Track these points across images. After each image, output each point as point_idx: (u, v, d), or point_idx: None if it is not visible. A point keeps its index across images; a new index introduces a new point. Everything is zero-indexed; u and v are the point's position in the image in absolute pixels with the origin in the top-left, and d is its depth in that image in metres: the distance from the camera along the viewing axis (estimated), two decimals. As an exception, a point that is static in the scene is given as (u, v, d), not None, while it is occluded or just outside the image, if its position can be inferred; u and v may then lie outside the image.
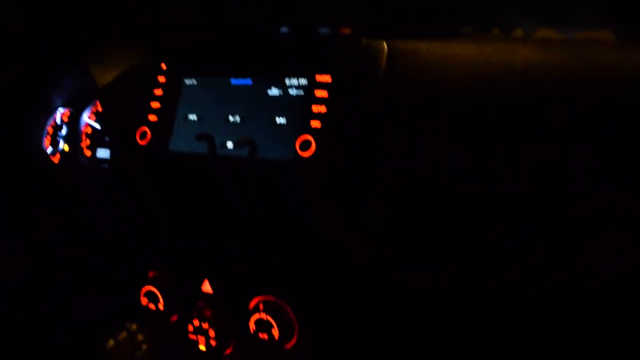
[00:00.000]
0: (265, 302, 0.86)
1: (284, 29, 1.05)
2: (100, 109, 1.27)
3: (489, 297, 0.74)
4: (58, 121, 1.35)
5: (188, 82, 0.97)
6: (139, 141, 0.95)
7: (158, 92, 0.97)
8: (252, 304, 0.87)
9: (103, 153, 1.28)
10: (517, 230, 0.71)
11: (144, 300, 0.94)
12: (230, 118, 0.91)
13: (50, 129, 1.36)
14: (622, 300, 0.67)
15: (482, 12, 1.01)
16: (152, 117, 0.96)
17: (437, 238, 0.75)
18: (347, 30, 1.03)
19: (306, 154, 0.82)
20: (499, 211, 0.72)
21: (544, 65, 0.77)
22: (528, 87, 0.75)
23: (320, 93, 0.84)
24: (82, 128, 1.32)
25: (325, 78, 0.85)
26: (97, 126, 1.28)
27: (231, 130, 0.91)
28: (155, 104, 0.96)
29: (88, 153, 1.30)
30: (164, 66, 0.98)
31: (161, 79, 0.98)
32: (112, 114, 1.04)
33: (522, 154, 0.71)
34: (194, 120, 0.94)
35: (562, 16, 0.99)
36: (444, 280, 0.75)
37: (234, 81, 0.93)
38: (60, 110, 1.35)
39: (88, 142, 1.31)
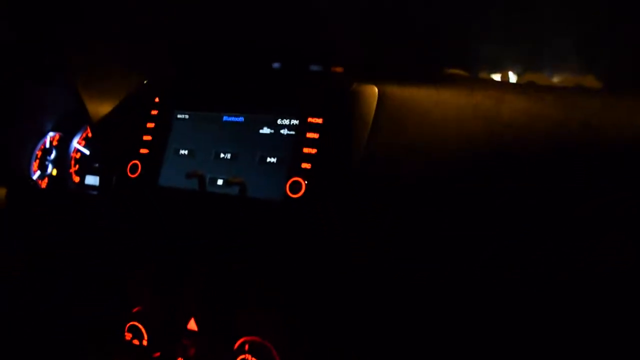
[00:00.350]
0: (250, 343, 0.85)
1: (275, 65, 1.06)
2: (91, 135, 1.27)
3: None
4: (47, 145, 1.34)
5: (180, 116, 0.97)
6: (130, 174, 0.95)
7: (150, 125, 0.97)
8: (237, 344, 0.87)
9: (92, 180, 1.28)
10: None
11: (127, 336, 0.93)
12: (221, 155, 0.91)
13: (39, 153, 1.35)
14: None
15: (470, 55, 1.03)
16: (144, 150, 0.96)
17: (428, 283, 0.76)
18: (339, 69, 1.04)
19: (296, 196, 0.82)
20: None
21: (531, 113, 0.78)
22: (516, 133, 0.76)
23: (312, 134, 0.85)
24: (72, 153, 1.31)
25: (317, 120, 0.86)
26: (87, 152, 1.28)
27: (221, 167, 0.91)
28: (147, 137, 0.97)
29: (77, 179, 1.30)
30: (156, 99, 0.98)
31: (154, 112, 0.98)
32: (103, 144, 1.04)
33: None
34: (185, 154, 0.94)
35: (548, 62, 1.02)
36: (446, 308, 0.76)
37: (225, 117, 0.94)
38: (50, 134, 1.34)
39: (77, 167, 1.30)
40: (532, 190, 0.72)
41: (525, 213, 0.72)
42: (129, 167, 0.96)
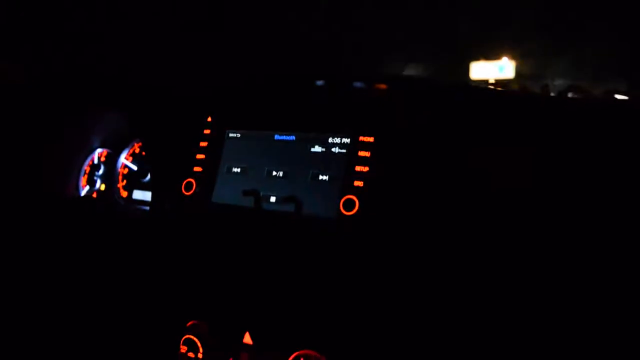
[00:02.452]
0: (305, 357, 0.87)
1: (319, 82, 1.08)
2: (143, 152, 1.31)
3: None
4: (95, 161, 1.38)
5: (232, 135, 1.00)
6: (184, 192, 0.98)
7: (203, 143, 1.00)
8: (291, 358, 0.89)
9: (140, 194, 1.31)
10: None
11: (183, 349, 0.96)
12: (274, 173, 0.94)
13: (87, 168, 1.39)
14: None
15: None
16: (197, 168, 0.99)
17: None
18: (382, 86, 1.06)
19: (350, 213, 0.84)
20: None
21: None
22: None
23: (363, 153, 0.87)
24: (119, 169, 1.35)
25: (368, 139, 0.88)
26: (134, 167, 1.31)
27: (274, 185, 0.93)
28: (200, 156, 1.00)
29: (124, 194, 1.33)
30: (209, 118, 1.01)
31: (206, 131, 1.01)
32: (156, 162, 1.08)
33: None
34: (237, 172, 0.97)
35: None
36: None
37: (277, 136, 0.96)
38: (98, 150, 1.39)
39: (124, 182, 1.34)
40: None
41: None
42: (183, 184, 0.99)
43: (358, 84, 1.07)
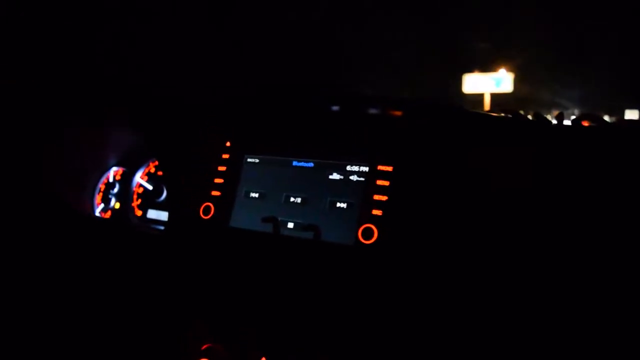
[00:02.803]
0: (321, 383, 0.88)
1: (334, 108, 1.10)
2: (157, 171, 1.32)
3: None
4: (110, 179, 1.39)
5: (250, 160, 1.01)
6: (202, 216, 0.99)
7: (221, 168, 1.01)
8: (306, 384, 0.89)
9: (154, 214, 1.32)
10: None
11: (197, 371, 0.96)
12: (292, 199, 0.95)
13: (102, 187, 1.40)
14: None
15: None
16: (215, 193, 1.00)
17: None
18: (397, 113, 1.07)
19: (368, 242, 0.85)
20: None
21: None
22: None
23: (382, 182, 0.88)
24: (134, 187, 1.36)
25: (387, 168, 0.89)
26: (149, 187, 1.33)
27: (292, 211, 0.94)
28: (218, 180, 1.01)
29: (139, 213, 1.34)
30: (227, 143, 1.03)
31: (225, 155, 1.02)
32: (174, 184, 1.09)
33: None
34: (256, 197, 0.98)
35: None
36: None
37: (295, 162, 0.97)
38: (114, 168, 1.40)
39: (139, 201, 1.35)
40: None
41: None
42: (202, 208, 1.00)
43: (373, 110, 1.09)
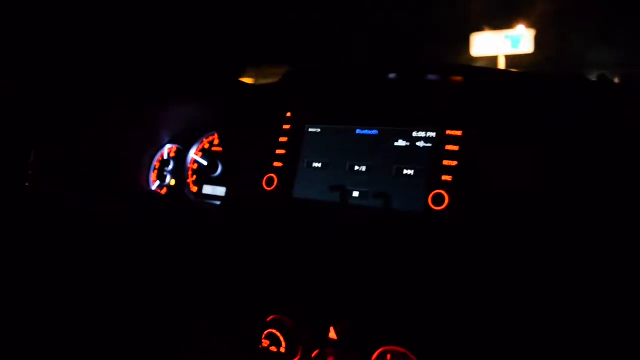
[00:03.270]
0: (392, 353, 0.86)
1: (391, 75, 1.07)
2: (211, 147, 1.32)
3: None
4: (165, 156, 1.40)
5: (312, 129, 1.00)
6: (266, 187, 0.98)
7: (283, 139, 1.00)
8: (376, 354, 0.88)
9: (210, 189, 1.33)
10: None
11: (264, 343, 0.96)
12: (356, 167, 0.93)
13: (157, 164, 1.41)
14: None
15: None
16: (278, 164, 0.99)
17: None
18: (458, 79, 1.04)
19: (439, 208, 0.83)
20: None
21: None
22: None
23: (451, 147, 0.86)
24: (189, 164, 1.37)
25: (456, 132, 0.86)
26: (204, 162, 1.33)
27: (357, 180, 0.93)
28: (280, 151, 1.00)
29: (194, 189, 1.35)
30: (288, 114, 1.01)
31: (286, 126, 1.01)
32: (234, 156, 1.08)
33: None
34: (318, 167, 0.97)
35: None
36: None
37: (358, 131, 0.95)
38: (168, 146, 1.41)
39: (194, 177, 1.36)
40: None
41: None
42: (264, 180, 0.99)
43: (432, 77, 1.05)
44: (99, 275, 1.28)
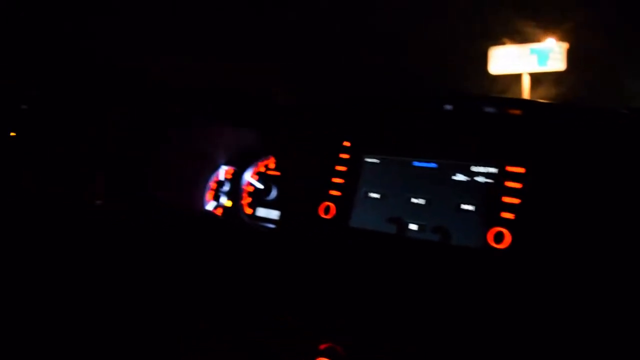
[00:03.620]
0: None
1: (447, 107, 1.06)
2: (267, 171, 1.35)
3: None
4: (221, 178, 1.44)
5: (369, 160, 1.00)
6: (322, 215, 1.00)
7: (341, 168, 1.01)
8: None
9: (263, 212, 1.35)
10: None
11: (316, 370, 0.97)
12: (414, 200, 0.93)
13: (213, 185, 1.45)
14: None
15: None
16: (335, 192, 1.00)
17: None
18: (516, 112, 1.02)
19: (500, 246, 0.82)
20: None
21: None
22: None
23: (512, 184, 0.85)
24: (244, 186, 1.40)
25: (518, 169, 0.85)
26: (259, 185, 1.35)
27: (414, 212, 0.93)
28: (337, 180, 1.01)
29: (249, 211, 1.38)
30: (346, 143, 1.03)
31: (344, 155, 1.02)
32: (290, 182, 1.10)
33: None
34: (376, 198, 0.97)
35: None
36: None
37: (416, 163, 0.96)
38: (224, 167, 1.44)
39: (249, 200, 1.39)
40: None
41: None
42: (321, 208, 1.00)
43: (489, 109, 1.05)
44: (156, 291, 1.32)
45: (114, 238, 1.26)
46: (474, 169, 0.90)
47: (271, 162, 1.36)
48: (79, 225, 1.27)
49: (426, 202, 0.93)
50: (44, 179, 1.39)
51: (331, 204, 1.00)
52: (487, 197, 0.87)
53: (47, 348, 1.19)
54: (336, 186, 1.02)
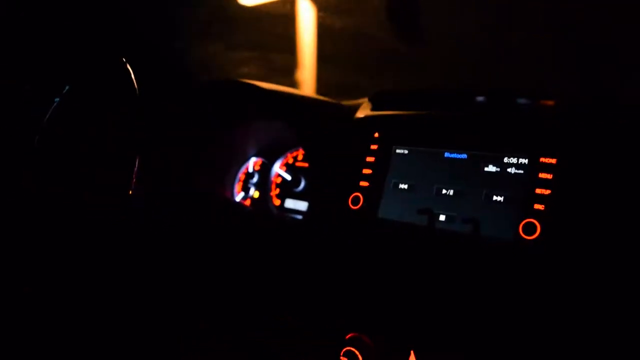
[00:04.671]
0: (475, 382, 0.85)
1: (480, 98, 1.05)
2: (295, 162, 1.36)
3: None
4: (250, 169, 1.45)
5: (399, 151, 1.00)
6: (351, 206, 1.00)
7: (370, 159, 1.02)
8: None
9: (291, 203, 1.36)
10: None
11: (342, 359, 0.97)
12: (443, 191, 0.93)
13: (242, 176, 1.47)
14: None
15: None
16: (364, 183, 1.00)
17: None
18: (549, 103, 1.01)
19: (530, 238, 0.81)
20: None
21: None
22: None
23: (544, 175, 0.84)
24: (272, 177, 1.41)
25: (550, 160, 0.84)
26: (288, 177, 1.36)
27: (444, 204, 0.92)
28: (366, 171, 1.01)
29: (277, 202, 1.39)
30: (376, 134, 1.02)
31: (373, 146, 1.02)
32: (320, 173, 1.11)
33: None
34: (405, 189, 0.97)
35: None
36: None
37: (447, 154, 0.95)
38: (253, 159, 1.46)
39: (277, 191, 1.40)
40: None
41: None
42: (350, 198, 1.01)
43: (522, 101, 1.03)
44: (182, 283, 1.34)
45: (145, 228, 1.28)
46: (506, 160, 0.89)
47: (300, 154, 1.37)
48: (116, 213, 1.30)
49: (456, 193, 0.92)
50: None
51: (360, 195, 1.00)
52: (519, 188, 0.86)
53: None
54: (365, 177, 1.02)
